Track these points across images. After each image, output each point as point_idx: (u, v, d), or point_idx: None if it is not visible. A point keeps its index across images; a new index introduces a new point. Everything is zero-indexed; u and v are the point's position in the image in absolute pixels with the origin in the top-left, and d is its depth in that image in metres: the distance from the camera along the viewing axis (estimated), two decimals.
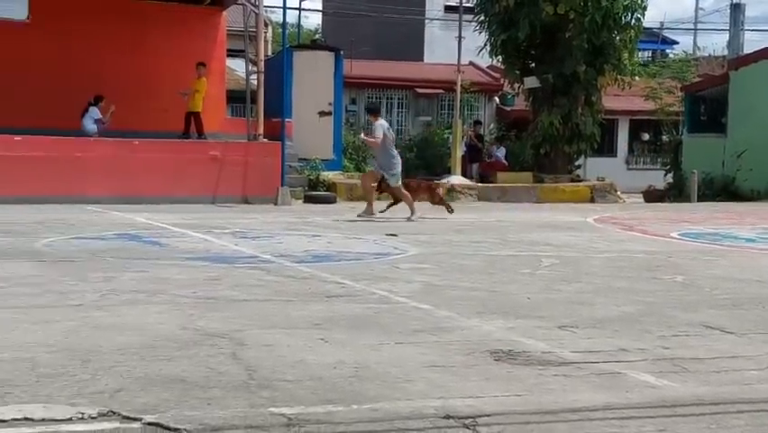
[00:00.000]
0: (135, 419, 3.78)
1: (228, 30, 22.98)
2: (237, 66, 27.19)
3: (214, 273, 8.23)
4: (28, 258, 8.97)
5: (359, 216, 14.63)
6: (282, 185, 17.85)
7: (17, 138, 16.65)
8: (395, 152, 15.08)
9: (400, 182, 14.99)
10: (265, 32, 24.53)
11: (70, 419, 3.75)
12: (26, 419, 3.73)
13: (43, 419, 3.74)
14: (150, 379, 4.43)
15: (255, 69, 19.25)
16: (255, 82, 19.20)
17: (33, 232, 11.47)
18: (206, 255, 9.63)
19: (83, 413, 3.82)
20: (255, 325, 5.87)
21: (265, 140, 18.54)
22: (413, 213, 14.60)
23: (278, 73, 19.93)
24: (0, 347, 5.01)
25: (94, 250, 9.85)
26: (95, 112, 19.48)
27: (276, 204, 17.54)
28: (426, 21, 34.34)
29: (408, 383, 4.49)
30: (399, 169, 14.99)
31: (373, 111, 15.75)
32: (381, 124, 14.98)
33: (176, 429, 3.68)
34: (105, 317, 6.03)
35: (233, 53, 24.81)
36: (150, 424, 3.73)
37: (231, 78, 24.99)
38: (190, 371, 4.61)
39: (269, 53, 29.42)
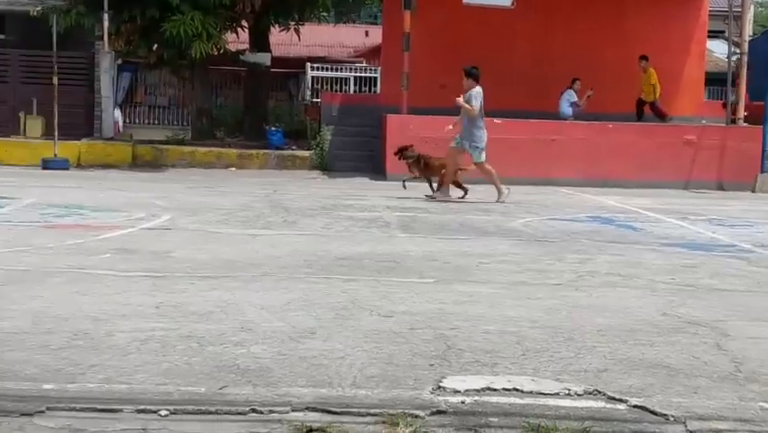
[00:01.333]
0: (621, 401, 3.79)
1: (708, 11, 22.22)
2: (713, 47, 26.25)
3: (690, 260, 8.02)
4: (507, 236, 9.36)
5: (429, 196, 13.42)
6: (762, 171, 17.01)
7: (497, 121, 17.45)
8: (482, 123, 13.52)
9: (484, 158, 13.43)
10: None
11: (557, 394, 3.86)
12: (515, 390, 3.89)
13: (531, 392, 3.88)
14: (632, 362, 4.42)
15: (737, 50, 18.40)
16: (736, 64, 18.38)
17: (511, 212, 11.95)
18: (682, 242, 9.41)
19: (569, 389, 3.91)
20: (738, 316, 5.64)
21: (745, 124, 17.71)
22: (500, 193, 13.32)
23: (760, 54, 18.91)
24: (487, 320, 5.28)
25: (568, 231, 10.04)
26: (571, 95, 19.79)
27: (753, 191, 16.77)
28: None
29: None
30: (484, 143, 13.44)
31: (473, 76, 13.59)
32: (480, 92, 13.38)
33: (663, 415, 3.63)
34: (582, 297, 6.13)
35: (710, 34, 23.93)
36: (636, 407, 3.72)
37: (708, 60, 24.15)
38: (673, 357, 4.53)
39: (750, 33, 28.00)
